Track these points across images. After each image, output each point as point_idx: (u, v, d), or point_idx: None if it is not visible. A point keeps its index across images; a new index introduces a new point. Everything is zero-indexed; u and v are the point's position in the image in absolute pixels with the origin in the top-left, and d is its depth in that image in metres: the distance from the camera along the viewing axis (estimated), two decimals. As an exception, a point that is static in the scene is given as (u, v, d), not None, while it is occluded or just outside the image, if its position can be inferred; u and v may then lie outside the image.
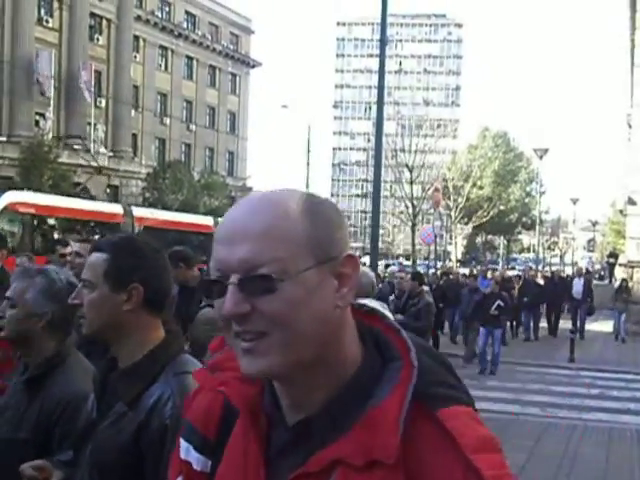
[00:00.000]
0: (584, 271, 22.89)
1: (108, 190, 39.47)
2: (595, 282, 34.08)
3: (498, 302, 13.00)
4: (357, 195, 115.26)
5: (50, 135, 36.48)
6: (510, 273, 26.24)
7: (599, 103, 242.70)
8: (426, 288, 11.13)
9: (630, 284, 20.01)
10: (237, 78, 57.08)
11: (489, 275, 18.40)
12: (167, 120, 49.40)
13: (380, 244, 75.62)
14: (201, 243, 28.09)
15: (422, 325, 8.67)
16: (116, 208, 26.38)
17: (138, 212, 27.08)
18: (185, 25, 51.14)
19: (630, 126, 25.23)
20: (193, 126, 51.69)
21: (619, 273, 23.13)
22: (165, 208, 39.77)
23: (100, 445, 1.79)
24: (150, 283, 1.85)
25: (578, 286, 19.98)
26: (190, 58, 51.83)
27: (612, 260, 37.94)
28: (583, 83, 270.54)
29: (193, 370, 1.35)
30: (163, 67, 49.84)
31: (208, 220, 30.25)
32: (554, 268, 54.65)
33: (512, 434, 8.45)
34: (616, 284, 22.68)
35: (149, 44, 47.73)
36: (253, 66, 58.79)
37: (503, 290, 16.00)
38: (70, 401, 2.21)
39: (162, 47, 49.22)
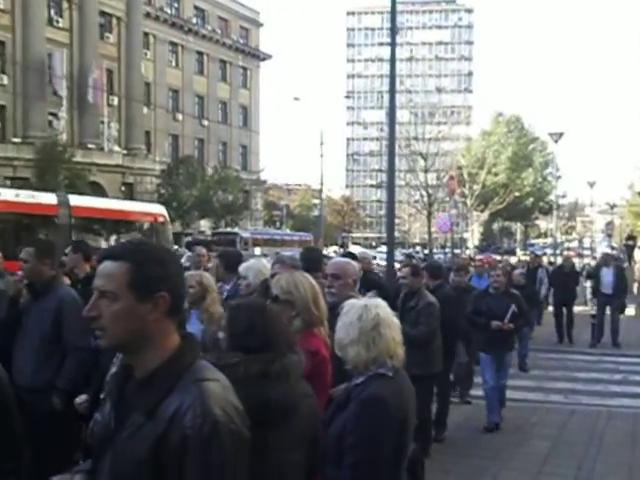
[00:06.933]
0: (613, 258, 17.73)
1: (123, 188, 39.65)
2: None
3: (512, 308, 7.98)
4: (372, 185, 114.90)
5: (64, 135, 36.66)
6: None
7: (615, 85, 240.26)
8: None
9: None
10: (248, 72, 57.04)
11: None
12: (179, 116, 49.48)
13: (396, 233, 75.52)
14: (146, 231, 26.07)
15: (421, 333, 6.45)
16: (49, 198, 22.52)
17: (75, 201, 23.24)
18: (194, 20, 51.13)
19: (646, 107, 24.86)
20: (206, 121, 51.75)
21: (638, 255, 22.67)
22: (180, 204, 39.94)
23: (119, 457, 1.75)
24: (174, 290, 1.82)
25: (608, 277, 15.38)
26: (200, 53, 51.84)
27: (630, 242, 37.48)
28: (599, 64, 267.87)
29: None
30: (174, 63, 49.88)
31: (154, 207, 28.71)
32: (571, 254, 54.18)
33: (536, 422, 8.39)
34: (637, 267, 21.62)
35: (159, 41, 47.77)
36: (263, 59, 58.72)
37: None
38: None
39: (172, 43, 49.25)
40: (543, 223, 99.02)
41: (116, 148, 40.39)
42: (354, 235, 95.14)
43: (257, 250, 32.84)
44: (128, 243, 1.97)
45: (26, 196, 21.41)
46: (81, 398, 4.49)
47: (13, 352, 4.56)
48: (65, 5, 39.28)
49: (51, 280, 4.76)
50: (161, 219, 27.07)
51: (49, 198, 22.28)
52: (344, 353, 2.89)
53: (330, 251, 49.25)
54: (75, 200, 23.07)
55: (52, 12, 38.64)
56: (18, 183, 29.32)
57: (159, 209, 28.03)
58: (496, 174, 50.31)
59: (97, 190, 34.66)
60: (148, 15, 45.45)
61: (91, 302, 1.81)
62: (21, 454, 2.06)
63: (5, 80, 35.89)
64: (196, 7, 51.59)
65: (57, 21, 38.73)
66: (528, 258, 18.64)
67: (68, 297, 4.76)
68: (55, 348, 4.63)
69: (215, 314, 4.30)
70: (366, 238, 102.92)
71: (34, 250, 4.78)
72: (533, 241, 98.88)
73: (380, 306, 2.95)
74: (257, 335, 2.43)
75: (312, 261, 5.92)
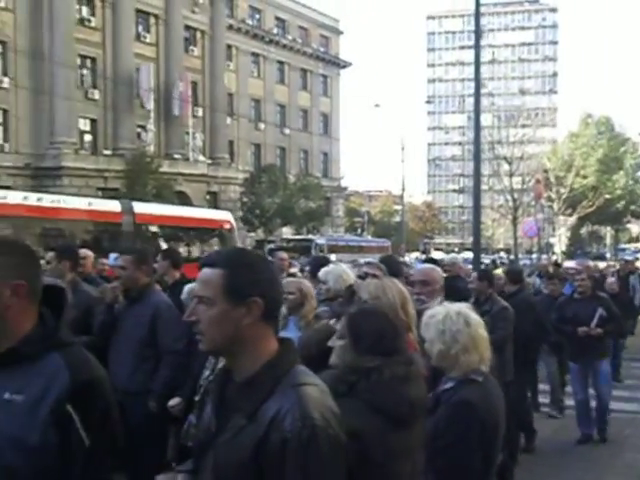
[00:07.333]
0: None
1: (208, 197, 40.58)
2: None
3: (600, 311, 7.53)
4: (454, 190, 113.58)
5: (152, 147, 37.86)
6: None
7: None
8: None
9: None
10: (328, 80, 57.39)
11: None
12: (262, 125, 50.27)
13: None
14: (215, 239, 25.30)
15: (499, 337, 5.88)
16: (112, 205, 22.12)
17: (140, 208, 22.60)
18: (275, 31, 51.85)
19: None
20: (287, 130, 52.35)
21: None
22: (262, 211, 40.53)
23: (221, 458, 1.80)
24: (267, 295, 1.86)
25: None
26: (281, 63, 52.53)
27: None
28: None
29: None
30: (256, 73, 50.74)
31: (220, 214, 27.66)
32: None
33: (631, 434, 8.07)
34: None
35: (241, 52, 48.72)
36: (343, 66, 58.94)
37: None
38: None
39: (254, 54, 50.12)
40: (635, 227, 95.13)
41: (201, 158, 41.39)
42: (436, 241, 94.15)
43: (333, 257, 32.65)
44: (224, 250, 2.05)
45: (88, 204, 21.37)
46: (175, 401, 4.62)
47: (109, 356, 4.72)
48: (152, 21, 40.62)
49: (146, 287, 4.92)
50: (227, 225, 26.14)
51: (113, 206, 22.03)
52: (450, 362, 2.85)
53: (412, 257, 48.80)
54: (139, 207, 22.75)
55: (140, 28, 40.03)
56: (109, 194, 30.43)
57: (225, 215, 27.23)
58: (585, 177, 48.72)
59: (183, 199, 35.58)
60: (230, 27, 46.40)
61: (191, 307, 1.89)
62: (120, 456, 2.13)
63: (97, 95, 37.36)
64: (277, 17, 52.34)
65: (144, 37, 40.08)
66: (617, 264, 17.57)
67: (163, 304, 4.91)
68: (151, 352, 4.78)
69: (313, 321, 4.33)
70: (448, 244, 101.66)
71: (132, 257, 4.92)
72: (624, 246, 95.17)
73: (471, 309, 2.94)
74: (386, 340, 2.42)
75: (393, 266, 5.97)
